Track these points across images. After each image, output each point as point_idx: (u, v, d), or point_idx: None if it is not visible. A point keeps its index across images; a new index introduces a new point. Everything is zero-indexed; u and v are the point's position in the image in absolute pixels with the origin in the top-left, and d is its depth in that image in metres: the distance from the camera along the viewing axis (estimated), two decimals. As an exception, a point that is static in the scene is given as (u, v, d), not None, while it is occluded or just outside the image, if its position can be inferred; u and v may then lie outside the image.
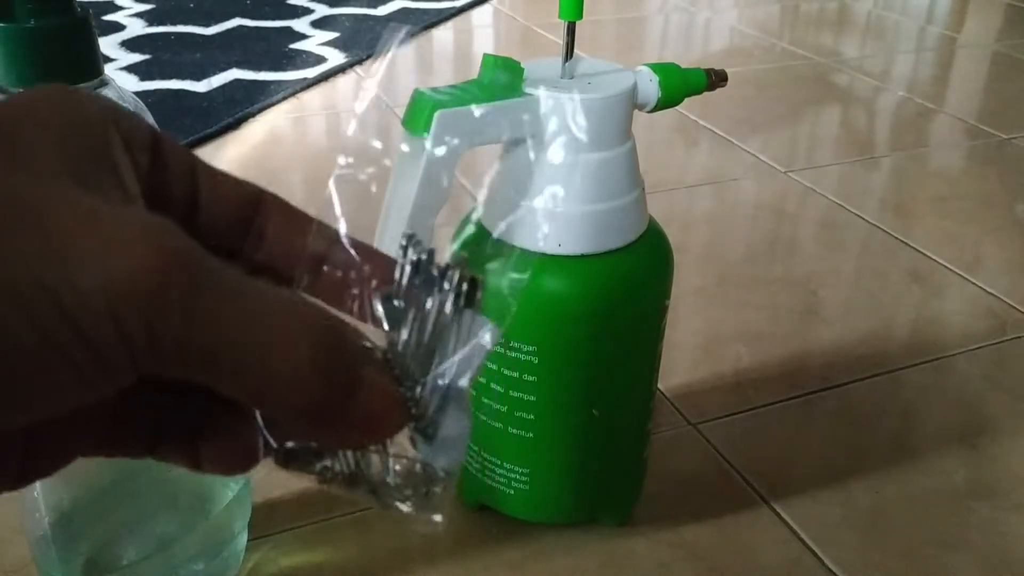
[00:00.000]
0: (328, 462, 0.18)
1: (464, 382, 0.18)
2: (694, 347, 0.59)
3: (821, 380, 0.56)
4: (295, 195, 0.83)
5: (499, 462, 0.41)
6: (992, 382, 0.57)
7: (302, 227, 0.20)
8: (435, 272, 0.19)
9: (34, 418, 0.15)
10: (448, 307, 0.18)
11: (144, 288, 0.14)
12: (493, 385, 0.39)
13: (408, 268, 0.19)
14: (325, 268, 0.19)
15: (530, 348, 0.37)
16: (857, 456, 0.50)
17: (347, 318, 0.18)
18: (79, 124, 0.16)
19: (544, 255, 0.37)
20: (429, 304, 0.18)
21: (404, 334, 0.18)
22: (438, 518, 0.18)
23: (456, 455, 0.18)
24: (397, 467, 0.18)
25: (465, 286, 0.18)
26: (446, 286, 0.18)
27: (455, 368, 0.18)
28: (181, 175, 0.19)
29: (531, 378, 0.38)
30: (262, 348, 0.15)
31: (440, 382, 0.18)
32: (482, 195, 0.39)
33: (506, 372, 0.38)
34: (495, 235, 0.38)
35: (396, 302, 0.18)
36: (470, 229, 0.39)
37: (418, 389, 0.18)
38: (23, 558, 0.41)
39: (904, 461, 0.50)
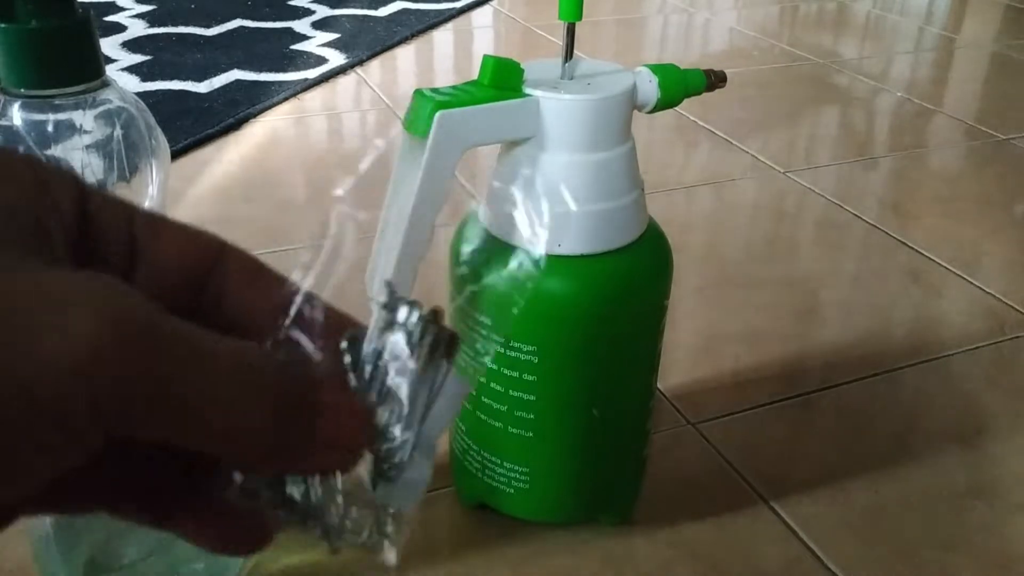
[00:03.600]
0: (284, 495, 0.18)
1: (434, 433, 0.18)
2: (694, 347, 0.59)
3: (820, 380, 0.56)
4: (296, 195, 0.82)
5: (499, 462, 0.41)
6: (991, 382, 0.57)
7: (266, 284, 0.19)
8: (410, 321, 0.18)
9: (7, 489, 0.14)
10: (422, 357, 0.18)
11: (98, 357, 0.14)
12: (493, 385, 0.39)
13: (382, 315, 0.18)
14: (290, 326, 0.19)
15: (530, 348, 0.37)
16: (856, 456, 0.50)
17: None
18: (3, 183, 0.16)
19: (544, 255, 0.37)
20: (400, 351, 0.18)
21: (369, 378, 0.18)
22: (391, 559, 0.18)
23: (413, 499, 0.18)
24: (352, 509, 0.18)
25: (443, 337, 0.18)
26: (422, 336, 0.18)
27: (427, 420, 0.18)
28: (115, 229, 0.18)
29: (531, 378, 0.38)
30: (221, 407, 0.15)
31: (408, 432, 0.18)
32: (482, 195, 0.39)
33: (506, 372, 0.38)
34: (495, 235, 0.38)
35: (366, 346, 0.18)
36: (470, 229, 0.39)
37: (389, 434, 0.18)
38: (24, 557, 0.41)
39: (903, 461, 0.50)
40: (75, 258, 0.17)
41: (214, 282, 0.19)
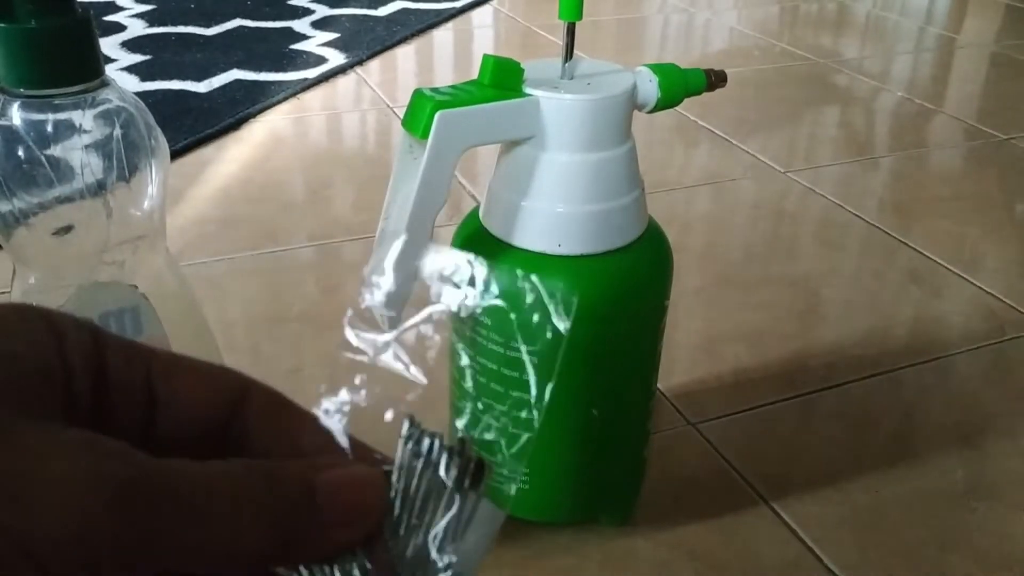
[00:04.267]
0: None
1: (471, 566, 0.18)
2: (694, 347, 0.59)
3: (821, 380, 0.56)
4: (296, 195, 0.82)
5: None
6: (992, 382, 0.57)
7: (290, 421, 0.19)
8: (436, 452, 0.18)
9: None
10: (448, 486, 0.18)
11: (90, 526, 0.15)
12: (493, 385, 0.39)
13: (407, 450, 0.18)
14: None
15: (530, 348, 0.37)
16: (857, 456, 0.50)
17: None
18: (17, 342, 0.17)
19: (544, 255, 0.37)
20: (423, 484, 0.18)
21: (396, 512, 0.18)
22: None
23: None
24: None
25: (470, 467, 0.18)
26: (449, 468, 0.18)
27: (461, 552, 0.18)
28: (132, 378, 0.18)
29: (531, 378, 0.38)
30: (218, 534, 0.16)
31: (438, 563, 0.18)
32: (482, 195, 0.39)
33: (506, 372, 0.38)
34: (495, 235, 0.38)
35: (394, 482, 0.18)
36: (470, 229, 0.39)
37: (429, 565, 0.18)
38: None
39: (904, 461, 0.50)
40: (92, 407, 0.17)
41: (238, 422, 0.19)
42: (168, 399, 0.18)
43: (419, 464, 0.18)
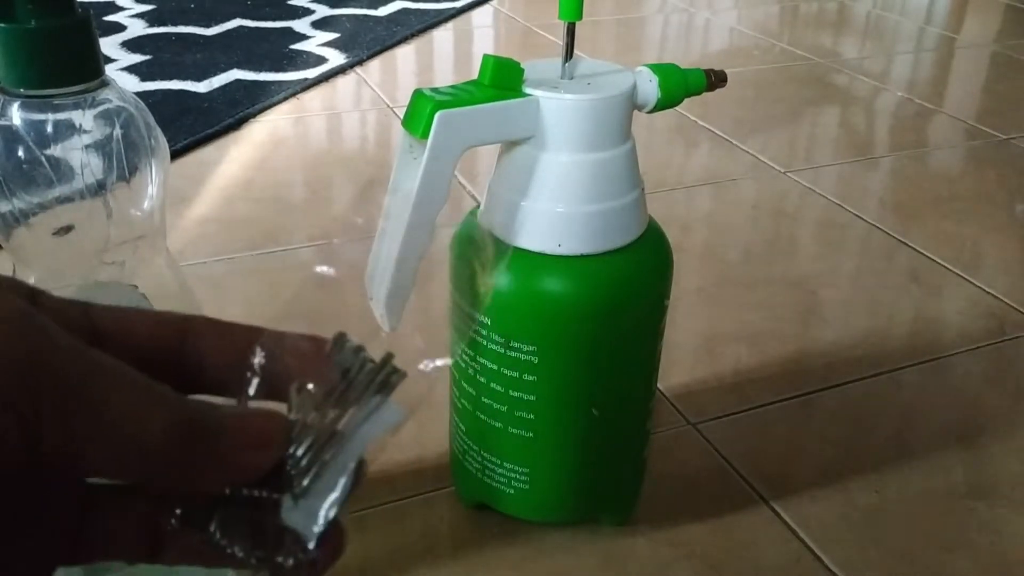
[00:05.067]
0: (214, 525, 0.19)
1: (351, 456, 0.19)
2: (694, 347, 0.59)
3: (821, 380, 0.56)
4: (296, 195, 0.82)
5: (499, 462, 0.41)
6: (991, 382, 0.57)
7: (239, 343, 0.20)
8: (359, 365, 0.19)
9: None
10: (358, 390, 0.19)
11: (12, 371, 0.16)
12: (493, 385, 0.39)
13: (335, 361, 0.19)
14: (261, 377, 0.20)
15: (530, 348, 0.37)
16: (857, 456, 0.50)
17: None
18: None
19: (544, 255, 0.37)
20: (340, 388, 0.19)
21: (309, 415, 0.19)
22: None
23: (316, 526, 0.18)
24: (261, 528, 0.19)
25: (377, 375, 0.19)
26: (367, 376, 0.19)
27: (348, 444, 0.19)
28: (73, 319, 0.19)
29: (531, 378, 0.38)
30: (125, 413, 0.16)
31: (326, 454, 0.19)
32: (482, 195, 0.39)
33: (506, 372, 0.38)
34: (495, 235, 0.38)
35: (309, 386, 0.19)
36: (470, 229, 0.39)
37: (298, 450, 0.19)
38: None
39: (904, 461, 0.50)
40: None
41: (190, 354, 0.20)
42: (112, 338, 0.19)
43: (340, 371, 0.19)
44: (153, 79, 1.00)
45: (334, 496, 0.18)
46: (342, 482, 0.18)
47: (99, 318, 0.19)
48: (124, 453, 0.17)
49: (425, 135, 0.34)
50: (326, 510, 0.18)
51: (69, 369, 0.16)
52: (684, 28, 1.33)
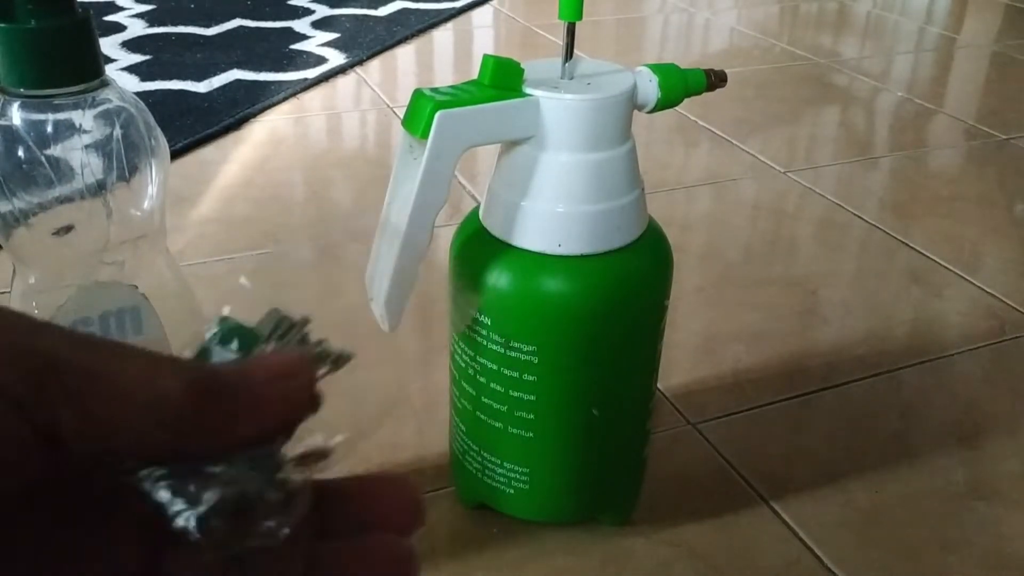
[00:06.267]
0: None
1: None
2: (694, 347, 0.59)
3: (821, 380, 0.56)
4: (296, 195, 0.82)
5: (499, 462, 0.41)
6: (991, 382, 0.57)
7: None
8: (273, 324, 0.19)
9: None
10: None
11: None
12: (493, 385, 0.39)
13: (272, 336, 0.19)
14: None
15: (530, 348, 0.37)
16: (857, 456, 0.50)
17: None
18: None
19: (544, 255, 0.37)
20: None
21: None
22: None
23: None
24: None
25: (293, 334, 0.19)
26: (274, 329, 0.19)
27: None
28: None
29: (531, 378, 0.38)
30: (132, 393, 0.16)
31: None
32: (482, 195, 0.39)
33: (506, 372, 0.38)
34: (495, 235, 0.38)
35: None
36: (470, 229, 0.39)
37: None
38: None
39: (904, 461, 0.50)
40: None
41: None
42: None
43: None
44: (153, 79, 1.00)
45: None
46: None
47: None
48: (146, 422, 0.16)
49: (425, 135, 0.34)
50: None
51: (70, 352, 0.15)
52: (684, 28, 1.33)
